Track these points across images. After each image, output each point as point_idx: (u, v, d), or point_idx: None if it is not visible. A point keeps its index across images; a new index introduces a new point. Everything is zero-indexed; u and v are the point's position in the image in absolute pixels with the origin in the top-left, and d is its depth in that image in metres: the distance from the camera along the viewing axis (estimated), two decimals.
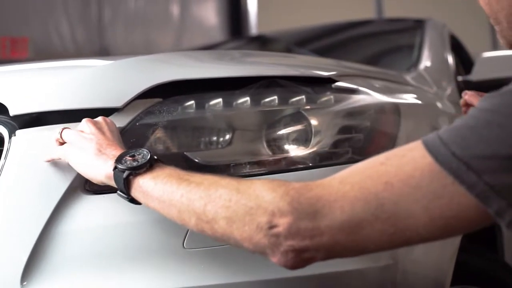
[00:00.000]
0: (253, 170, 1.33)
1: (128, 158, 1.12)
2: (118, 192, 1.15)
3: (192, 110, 1.36)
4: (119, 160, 1.13)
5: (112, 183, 1.15)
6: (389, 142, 1.51)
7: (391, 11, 8.48)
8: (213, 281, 1.22)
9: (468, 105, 1.61)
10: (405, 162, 0.92)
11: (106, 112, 1.31)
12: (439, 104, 2.09)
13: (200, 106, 1.37)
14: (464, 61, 3.40)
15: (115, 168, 1.12)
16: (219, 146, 1.37)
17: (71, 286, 1.20)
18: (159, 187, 1.07)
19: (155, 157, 1.13)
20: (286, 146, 1.39)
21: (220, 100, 1.38)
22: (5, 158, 1.27)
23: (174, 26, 7.26)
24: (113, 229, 1.23)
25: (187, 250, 1.23)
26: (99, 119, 1.25)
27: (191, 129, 1.37)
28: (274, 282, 1.25)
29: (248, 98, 1.39)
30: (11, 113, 1.31)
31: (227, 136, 1.37)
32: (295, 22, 4.86)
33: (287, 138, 1.40)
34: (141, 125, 1.32)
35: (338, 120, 1.45)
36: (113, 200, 1.25)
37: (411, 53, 2.76)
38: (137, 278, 1.21)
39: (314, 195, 0.94)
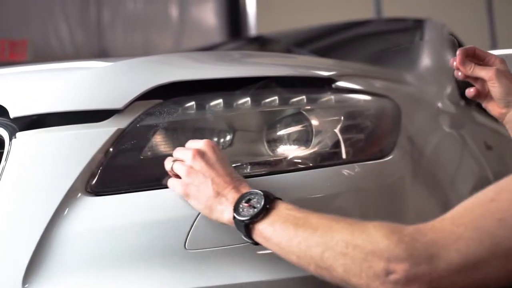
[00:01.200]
0: (254, 170, 1.33)
1: (244, 204, 1.16)
2: (242, 236, 1.17)
3: (192, 111, 1.36)
4: (236, 209, 1.16)
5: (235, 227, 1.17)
6: (389, 142, 1.51)
7: (390, 11, 8.48)
8: (215, 282, 1.22)
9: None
10: None
11: (107, 113, 1.31)
12: (439, 103, 2.09)
13: (200, 107, 1.37)
14: None
15: (234, 218, 1.16)
16: (220, 147, 1.36)
17: None
18: (277, 234, 1.10)
19: (270, 196, 1.16)
20: (287, 147, 1.39)
21: (220, 101, 1.38)
22: (6, 160, 1.27)
23: (173, 27, 7.27)
24: (114, 230, 1.23)
25: (188, 251, 1.22)
26: (205, 148, 1.26)
27: (191, 130, 1.37)
28: (275, 283, 1.25)
29: (248, 99, 1.39)
30: (11, 115, 1.31)
31: (228, 137, 1.37)
32: (294, 23, 4.85)
33: (288, 138, 1.40)
34: (141, 126, 1.32)
35: (338, 120, 1.45)
36: (115, 202, 1.25)
37: (411, 52, 2.76)
38: (138, 280, 1.21)
39: (428, 240, 0.93)
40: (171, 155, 1.31)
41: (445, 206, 1.65)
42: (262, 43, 4.12)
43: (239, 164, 1.33)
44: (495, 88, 1.46)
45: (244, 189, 1.20)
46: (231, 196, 1.19)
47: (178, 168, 1.26)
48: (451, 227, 0.94)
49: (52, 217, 1.22)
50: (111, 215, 1.24)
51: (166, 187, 1.27)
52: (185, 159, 1.26)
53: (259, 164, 1.35)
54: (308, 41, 3.74)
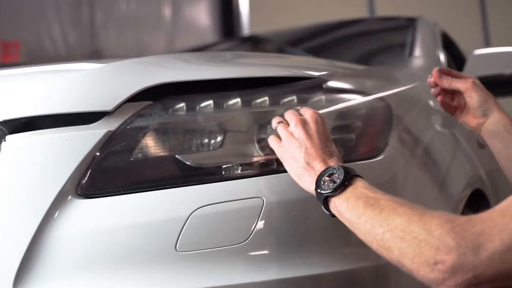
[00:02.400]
0: (245, 171, 1.33)
1: (326, 178, 1.23)
2: (322, 207, 1.24)
3: (183, 113, 1.36)
4: (318, 182, 1.23)
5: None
6: (381, 142, 1.51)
7: (383, 9, 8.48)
8: (206, 283, 1.22)
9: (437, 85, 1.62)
10: None
11: (97, 115, 1.30)
12: (431, 102, 2.09)
13: (190, 108, 1.37)
14: (456, 59, 3.40)
15: (316, 190, 1.23)
16: (211, 148, 1.36)
17: None
18: (349, 210, 1.17)
19: (350, 173, 1.22)
20: None
21: (211, 102, 1.38)
22: None
23: (166, 28, 7.26)
24: (105, 233, 1.23)
25: (179, 253, 1.22)
26: (308, 118, 1.35)
27: (182, 132, 1.37)
28: (267, 284, 1.25)
29: (239, 99, 1.39)
30: (1, 118, 1.31)
31: (219, 138, 1.37)
32: (287, 22, 4.85)
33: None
34: (132, 128, 1.32)
35: (329, 120, 1.44)
36: (105, 204, 1.25)
37: (403, 51, 2.76)
38: (129, 282, 1.21)
39: (477, 230, 0.97)
40: (162, 157, 1.31)
41: (438, 204, 1.66)
42: (255, 43, 4.12)
43: (229, 165, 1.33)
44: (472, 98, 1.53)
45: (332, 163, 1.27)
46: (318, 168, 1.26)
47: (281, 131, 1.34)
48: (498, 218, 0.97)
49: (42, 219, 1.22)
50: (101, 217, 1.24)
51: (157, 188, 1.27)
52: (290, 123, 1.34)
53: (250, 164, 1.35)
54: (301, 40, 3.74)
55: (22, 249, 1.20)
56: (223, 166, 1.33)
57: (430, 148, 1.70)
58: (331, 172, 1.24)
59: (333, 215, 1.22)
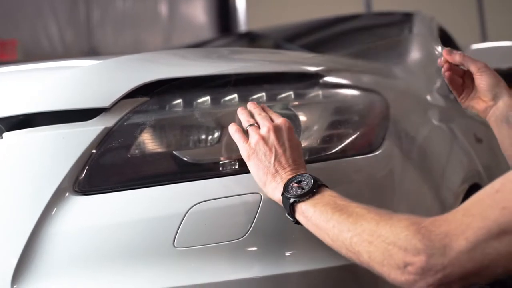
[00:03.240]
0: (243, 167, 1.33)
1: (294, 184, 1.23)
2: (286, 214, 1.24)
3: (179, 109, 1.36)
4: (286, 187, 1.24)
5: (281, 204, 1.25)
6: (378, 136, 1.51)
7: (380, 5, 8.48)
8: (204, 279, 1.22)
9: (448, 63, 1.59)
10: None
11: (94, 112, 1.30)
12: (428, 97, 2.09)
13: (187, 104, 1.37)
14: None
15: (283, 194, 1.23)
16: (208, 144, 1.36)
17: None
18: (316, 215, 1.18)
19: (318, 182, 1.23)
20: None
21: (208, 98, 1.38)
22: None
23: (163, 25, 7.26)
24: (103, 229, 1.23)
25: (177, 249, 1.22)
26: (282, 126, 1.33)
27: (179, 128, 1.37)
28: (266, 279, 1.25)
29: (236, 95, 1.39)
30: None
31: (216, 134, 1.37)
32: (283, 18, 4.85)
33: None
34: (128, 124, 1.32)
35: (326, 116, 1.44)
36: (103, 201, 1.25)
37: (400, 46, 2.76)
38: (127, 278, 1.21)
39: (443, 230, 0.99)
40: (159, 153, 1.32)
41: (436, 199, 1.66)
42: (252, 39, 4.12)
43: (227, 161, 1.33)
44: (483, 79, 1.49)
45: (301, 172, 1.27)
46: (285, 176, 1.26)
47: (251, 133, 1.32)
48: (462, 218, 0.99)
49: (40, 217, 1.22)
50: (99, 214, 1.24)
51: (155, 185, 1.27)
52: (261, 127, 1.33)
53: None
54: (297, 36, 3.74)
55: (20, 246, 1.20)
56: (221, 162, 1.33)
57: (428, 143, 1.70)
58: (299, 179, 1.24)
59: (298, 222, 1.23)
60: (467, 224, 0.97)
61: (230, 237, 1.24)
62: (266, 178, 1.27)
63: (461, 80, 1.59)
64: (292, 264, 1.27)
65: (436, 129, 1.91)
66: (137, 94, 1.34)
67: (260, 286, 1.25)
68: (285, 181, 1.25)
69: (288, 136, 1.31)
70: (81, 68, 1.47)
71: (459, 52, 1.55)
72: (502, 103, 1.49)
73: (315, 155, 1.39)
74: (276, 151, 1.29)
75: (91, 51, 6.03)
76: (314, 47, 3.09)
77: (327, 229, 1.15)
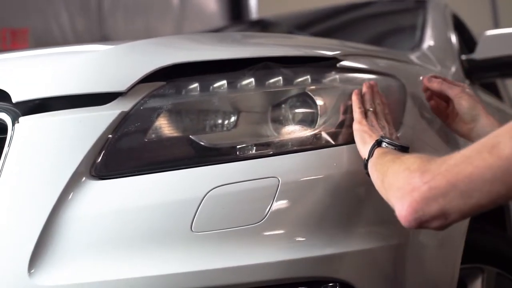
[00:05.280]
0: (259, 151, 1.32)
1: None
2: (363, 159, 1.33)
3: (196, 93, 1.36)
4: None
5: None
6: (395, 121, 1.50)
7: None
8: (221, 264, 1.22)
9: (429, 90, 1.67)
10: None
11: (110, 96, 1.30)
12: None
13: (204, 88, 1.36)
14: (467, 41, 3.38)
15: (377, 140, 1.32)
16: (225, 128, 1.36)
17: (78, 272, 1.20)
18: (375, 159, 1.27)
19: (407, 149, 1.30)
20: (292, 127, 1.38)
21: (224, 82, 1.37)
22: (9, 145, 1.27)
23: (174, 13, 7.24)
24: (119, 214, 1.23)
25: (195, 233, 1.22)
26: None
27: (196, 112, 1.36)
28: (283, 264, 1.24)
29: (252, 79, 1.38)
30: (14, 100, 1.30)
31: (232, 118, 1.36)
32: (295, 6, 4.83)
33: (292, 119, 1.40)
34: (145, 109, 1.31)
35: (343, 100, 1.44)
36: (119, 185, 1.25)
37: (414, 33, 2.75)
38: (145, 262, 1.21)
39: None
40: (176, 137, 1.31)
41: None
42: (263, 27, 4.11)
43: (244, 145, 1.32)
44: (461, 104, 1.57)
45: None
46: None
47: (367, 102, 1.43)
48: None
49: (57, 202, 1.22)
50: (116, 198, 1.24)
51: (172, 169, 1.27)
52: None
53: (264, 145, 1.34)
54: (310, 23, 3.73)
55: (37, 231, 1.20)
56: (238, 146, 1.32)
57: (444, 129, 1.69)
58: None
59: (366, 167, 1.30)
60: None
61: (247, 221, 1.23)
62: (361, 146, 1.35)
63: (446, 104, 1.65)
64: (310, 249, 1.26)
65: None
66: (153, 78, 1.33)
67: (277, 271, 1.24)
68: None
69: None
70: (97, 52, 1.47)
71: (437, 79, 1.63)
72: (481, 122, 1.55)
73: (331, 140, 1.38)
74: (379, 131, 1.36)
75: (103, 39, 6.02)
76: (327, 35, 3.07)
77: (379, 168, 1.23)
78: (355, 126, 1.38)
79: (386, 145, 1.29)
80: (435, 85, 1.62)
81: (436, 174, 1.02)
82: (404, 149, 1.28)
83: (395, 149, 1.28)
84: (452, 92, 1.59)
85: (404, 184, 1.07)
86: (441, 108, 1.65)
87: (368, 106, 1.43)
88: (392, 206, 1.10)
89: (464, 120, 1.57)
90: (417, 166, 1.07)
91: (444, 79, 1.64)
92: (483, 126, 1.53)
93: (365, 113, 1.41)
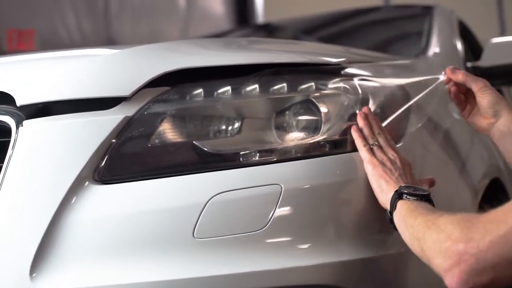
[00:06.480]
0: (263, 158, 1.32)
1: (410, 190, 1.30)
2: (387, 212, 1.32)
3: (200, 98, 1.36)
4: (401, 187, 1.30)
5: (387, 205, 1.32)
6: (400, 129, 1.50)
7: None
8: (223, 270, 1.21)
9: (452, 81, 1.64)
10: None
11: (114, 101, 1.30)
12: None
13: (208, 94, 1.36)
14: (473, 48, 3.37)
15: (398, 189, 1.30)
16: (228, 134, 1.36)
17: (80, 277, 1.20)
18: (403, 216, 1.24)
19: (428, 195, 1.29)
20: (296, 134, 1.38)
21: (228, 88, 1.37)
22: (13, 149, 1.27)
23: (181, 16, 7.24)
24: (122, 219, 1.23)
25: (196, 239, 1.22)
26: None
27: (199, 118, 1.36)
28: (285, 271, 1.24)
29: (257, 86, 1.38)
30: (18, 103, 1.31)
31: (236, 124, 1.36)
32: (302, 10, 4.83)
33: (296, 125, 1.39)
34: (149, 114, 1.31)
35: (347, 107, 1.43)
36: (122, 190, 1.25)
37: (420, 39, 2.74)
38: (146, 268, 1.20)
39: (482, 220, 1.05)
40: (179, 143, 1.31)
41: (456, 193, 1.65)
42: (269, 31, 4.11)
43: (247, 151, 1.32)
44: (484, 98, 1.54)
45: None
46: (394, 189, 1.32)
47: (378, 153, 1.38)
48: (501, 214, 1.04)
49: (59, 205, 1.22)
50: (118, 203, 1.24)
51: (175, 174, 1.27)
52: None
53: (267, 151, 1.34)
54: (316, 28, 3.73)
55: (39, 235, 1.20)
56: (241, 153, 1.32)
57: (449, 137, 1.69)
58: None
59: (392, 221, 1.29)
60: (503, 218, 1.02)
61: (249, 228, 1.23)
62: (379, 193, 1.33)
63: (463, 97, 1.63)
64: (312, 256, 1.26)
65: (457, 123, 1.89)
66: (158, 83, 1.33)
67: (279, 278, 1.24)
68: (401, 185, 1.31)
69: (401, 161, 1.39)
70: (101, 57, 1.47)
71: (461, 71, 1.60)
72: (504, 119, 1.53)
73: (335, 147, 1.38)
74: (396, 175, 1.34)
75: (109, 41, 6.03)
76: (333, 40, 3.07)
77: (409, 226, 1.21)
78: (368, 168, 1.36)
79: (407, 196, 1.27)
80: (460, 76, 1.59)
81: (482, 246, 1.01)
82: (425, 197, 1.27)
83: (417, 199, 1.26)
84: (476, 85, 1.56)
85: (450, 254, 1.06)
86: (460, 96, 1.63)
87: (371, 141, 1.40)
88: (438, 273, 1.10)
89: (485, 115, 1.56)
90: (459, 235, 1.05)
91: (466, 72, 1.61)
92: (506, 122, 1.52)
93: (371, 149, 1.39)
